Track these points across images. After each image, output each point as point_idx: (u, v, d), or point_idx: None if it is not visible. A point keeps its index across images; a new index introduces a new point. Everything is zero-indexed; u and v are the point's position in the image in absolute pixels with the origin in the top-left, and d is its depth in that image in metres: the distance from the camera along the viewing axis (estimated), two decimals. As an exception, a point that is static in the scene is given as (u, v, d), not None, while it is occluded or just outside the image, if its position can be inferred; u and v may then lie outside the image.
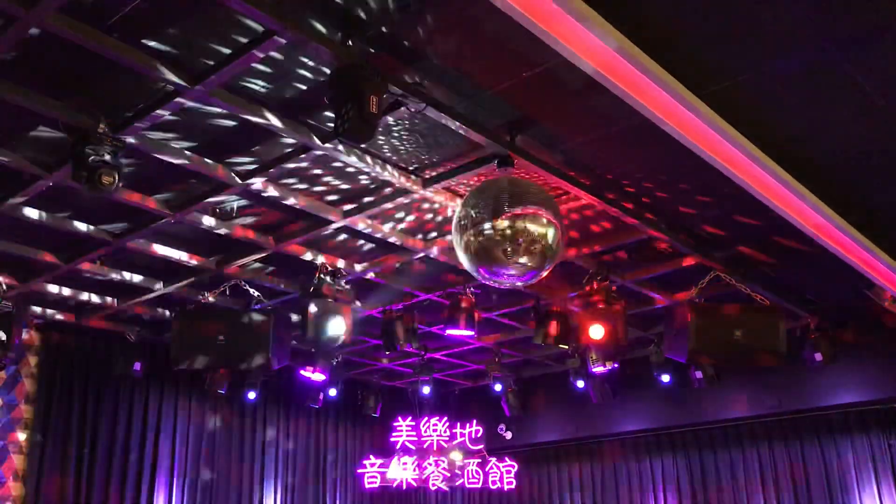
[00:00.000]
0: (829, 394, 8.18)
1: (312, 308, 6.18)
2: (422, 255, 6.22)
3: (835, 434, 8.59)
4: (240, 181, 4.96)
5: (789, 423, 8.83)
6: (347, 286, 6.45)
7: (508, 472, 9.62)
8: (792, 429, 8.84)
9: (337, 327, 6.29)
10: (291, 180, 5.14)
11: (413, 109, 3.96)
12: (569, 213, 5.59)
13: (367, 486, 9.54)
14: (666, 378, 8.42)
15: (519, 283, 4.20)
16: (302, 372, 8.02)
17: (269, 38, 3.55)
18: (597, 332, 6.53)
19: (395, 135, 4.59)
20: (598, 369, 7.45)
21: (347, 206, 5.51)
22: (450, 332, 6.97)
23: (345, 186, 5.27)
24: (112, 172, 4.04)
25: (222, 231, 5.71)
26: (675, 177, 5.07)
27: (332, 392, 9.35)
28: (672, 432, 9.59)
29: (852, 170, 4.81)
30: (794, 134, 4.36)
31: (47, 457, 7.47)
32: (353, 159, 4.71)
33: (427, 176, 5.08)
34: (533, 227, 3.89)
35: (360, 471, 9.67)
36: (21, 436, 7.37)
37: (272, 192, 5.15)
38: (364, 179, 5.17)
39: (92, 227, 5.69)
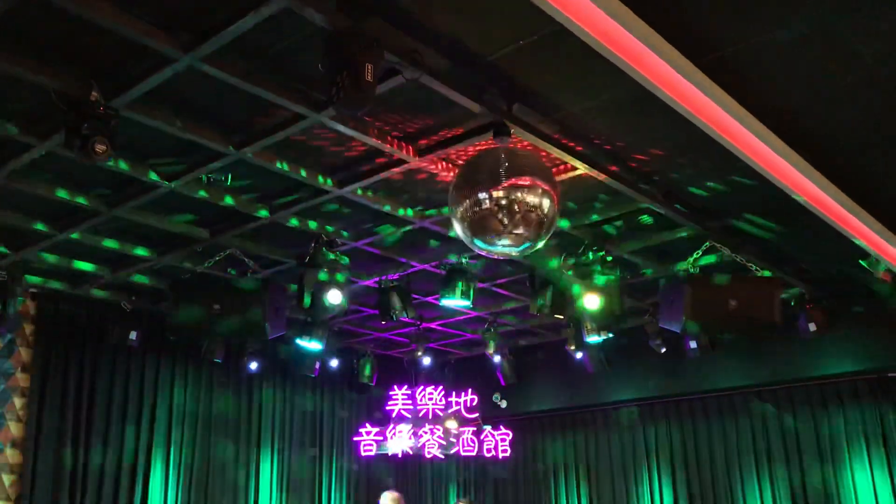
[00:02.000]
0: (822, 364, 8.24)
1: (308, 278, 6.18)
2: (417, 224, 6.21)
3: (827, 404, 8.66)
4: (234, 150, 4.93)
5: (783, 393, 8.90)
6: (343, 256, 6.44)
7: (503, 440, 9.71)
8: (785, 398, 8.91)
9: (333, 297, 6.31)
10: (285, 149, 5.10)
11: (408, 78, 3.92)
12: (565, 183, 5.57)
13: (363, 453, 9.62)
14: (661, 348, 8.47)
15: (514, 254, 4.19)
16: (298, 341, 8.04)
17: (262, 4, 3.51)
18: (592, 302, 6.56)
19: (391, 103, 4.54)
20: (594, 339, 7.48)
21: (342, 176, 5.48)
22: (445, 302, 6.98)
23: (340, 156, 5.24)
24: (105, 141, 4.00)
25: (216, 201, 5.69)
26: (672, 147, 5.05)
27: (329, 361, 9.40)
28: (666, 402, 9.67)
29: (851, 141, 4.80)
30: (792, 104, 4.33)
31: (44, 425, 7.51)
32: (347, 128, 4.68)
33: (422, 145, 5.05)
34: (529, 198, 3.87)
35: (356, 439, 9.75)
36: (18, 403, 7.40)
37: (266, 161, 5.12)
38: (359, 149, 5.13)
39: (85, 196, 5.66)
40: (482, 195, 3.88)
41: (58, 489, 7.49)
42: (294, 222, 6.14)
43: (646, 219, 6.24)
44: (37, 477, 7.37)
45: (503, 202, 3.87)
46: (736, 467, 9.14)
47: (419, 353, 9.19)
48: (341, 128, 4.67)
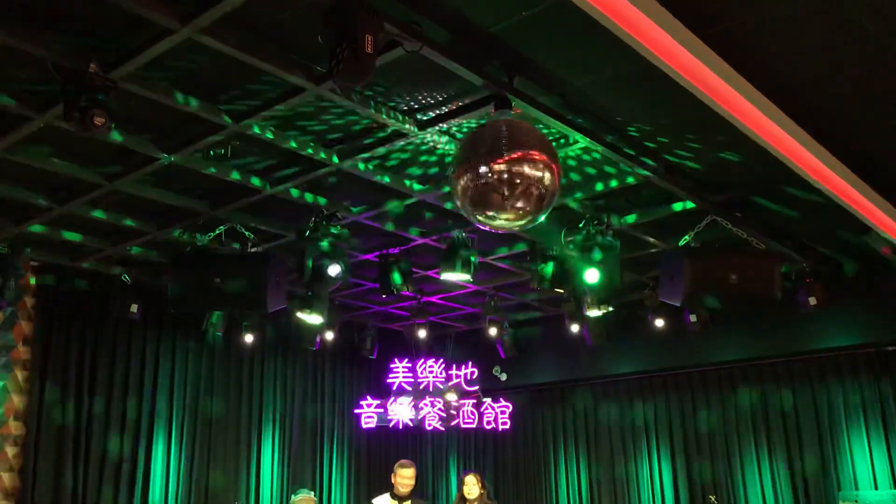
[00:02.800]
0: (821, 338, 8.26)
1: (308, 251, 6.17)
2: (418, 198, 6.19)
3: (826, 377, 8.70)
4: (233, 123, 4.90)
5: (781, 367, 8.93)
6: (343, 229, 6.43)
7: (503, 412, 9.77)
8: (784, 372, 8.95)
9: (333, 271, 6.31)
10: (285, 122, 5.07)
11: (409, 50, 3.89)
12: (566, 156, 5.55)
13: (363, 425, 9.69)
14: (660, 322, 8.49)
15: (515, 228, 4.18)
16: (299, 314, 8.05)
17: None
18: (592, 276, 6.56)
19: (391, 76, 4.51)
20: (594, 313, 7.49)
21: (342, 149, 5.46)
22: (445, 276, 6.98)
23: (340, 129, 5.21)
24: (104, 113, 3.98)
25: (216, 174, 5.67)
26: (674, 120, 5.02)
27: (329, 335, 9.43)
28: (665, 375, 9.71)
29: (854, 115, 4.77)
30: (796, 78, 4.30)
31: (47, 397, 7.55)
32: (347, 101, 4.64)
33: (423, 118, 5.02)
34: (530, 171, 3.85)
35: (356, 411, 9.81)
36: (20, 376, 7.43)
37: (266, 133, 5.09)
38: (359, 122, 5.10)
39: (85, 170, 5.64)
40: (483, 169, 3.86)
41: (61, 461, 7.55)
42: (294, 195, 6.12)
43: (647, 193, 6.22)
44: (40, 448, 7.43)
45: (504, 176, 3.85)
46: (734, 439, 9.20)
47: (419, 327, 9.22)
48: (341, 100, 4.63)
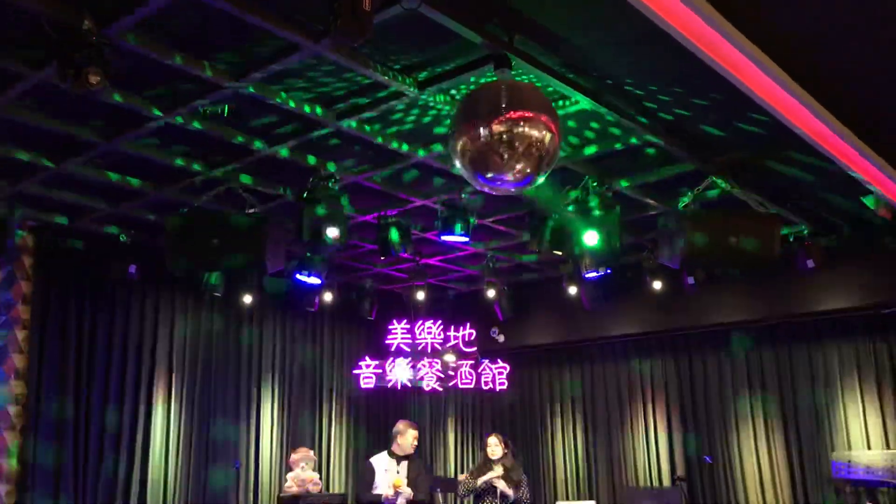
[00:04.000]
0: (819, 300, 8.29)
1: (306, 213, 6.15)
2: (416, 159, 6.15)
3: (822, 339, 8.76)
4: (230, 81, 4.84)
5: (779, 329, 8.98)
6: (342, 191, 6.41)
7: (501, 373, 9.83)
8: (781, 334, 9.01)
9: (331, 232, 6.29)
10: (282, 81, 5.02)
11: (407, 7, 3.83)
12: (566, 117, 5.50)
13: (362, 386, 9.76)
14: (658, 284, 8.51)
15: (514, 189, 4.16)
16: (297, 276, 8.06)
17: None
18: (591, 238, 6.55)
19: (389, 34, 4.45)
20: (592, 274, 7.50)
21: (340, 109, 5.41)
22: (444, 238, 6.98)
23: (337, 88, 5.16)
24: (99, 71, 3.93)
25: (213, 133, 5.62)
26: (675, 80, 4.97)
27: (328, 296, 9.46)
28: (662, 336, 9.77)
29: (856, 76, 4.72)
30: (800, 39, 4.24)
31: (47, 356, 7.59)
32: (345, 60, 4.59)
33: (422, 78, 4.97)
34: (530, 132, 3.81)
35: (355, 371, 9.87)
36: (20, 335, 7.46)
37: (263, 93, 5.04)
38: (357, 81, 5.05)
39: (81, 129, 5.60)
40: (482, 129, 3.82)
41: (62, 420, 7.62)
42: (292, 155, 6.08)
43: (647, 153, 6.19)
44: (41, 407, 7.49)
45: (504, 136, 3.81)
46: (730, 400, 9.29)
47: (418, 289, 9.24)
48: (338, 59, 4.58)
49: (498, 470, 6.92)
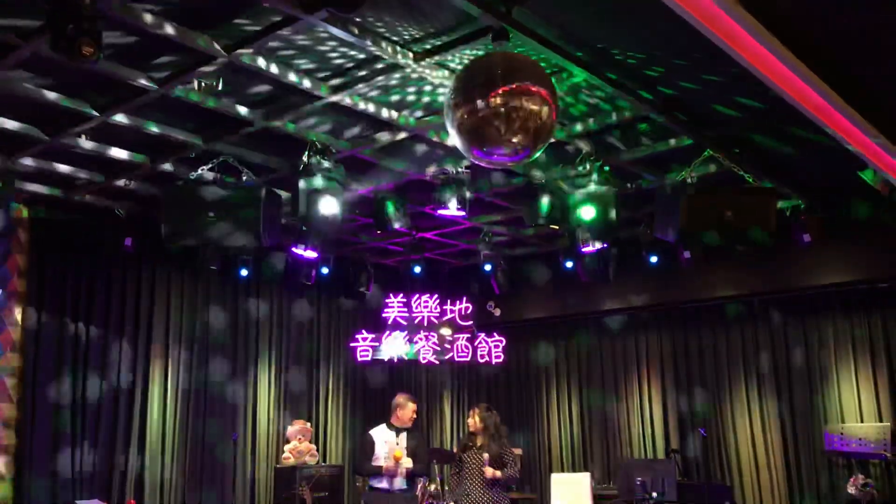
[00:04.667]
0: (814, 274, 8.32)
1: (302, 186, 6.13)
2: (413, 133, 6.12)
3: (818, 314, 8.80)
4: (225, 53, 4.80)
5: (774, 303, 9.02)
6: (338, 164, 6.38)
7: (497, 346, 9.86)
8: (777, 308, 9.04)
9: (327, 206, 6.28)
10: (278, 53, 4.98)
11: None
12: (563, 90, 5.47)
13: (359, 359, 9.79)
14: (654, 258, 8.52)
15: (510, 163, 4.15)
16: (294, 249, 8.05)
17: None
18: (588, 212, 6.55)
19: (386, 5, 4.40)
20: (588, 249, 7.51)
21: (336, 82, 5.37)
22: (440, 212, 6.96)
23: (334, 61, 5.12)
24: (92, 42, 3.88)
25: (209, 106, 5.58)
26: (673, 53, 4.94)
27: (324, 270, 9.46)
28: (657, 310, 9.80)
29: (854, 49, 4.69)
30: (799, 12, 4.21)
31: (43, 329, 7.60)
32: (341, 31, 4.54)
33: (419, 50, 4.93)
34: (527, 105, 3.79)
35: (352, 345, 9.90)
36: (16, 308, 7.46)
37: (258, 65, 5.00)
38: (353, 53, 5.01)
39: (75, 101, 5.55)
40: (479, 102, 3.80)
41: (59, 391, 7.65)
42: (289, 128, 6.05)
43: (644, 127, 6.17)
44: (38, 380, 7.51)
45: (501, 110, 3.80)
46: (724, 374, 9.35)
47: (414, 263, 9.24)
48: (334, 30, 4.53)
49: (484, 457, 6.94)
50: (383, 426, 7.06)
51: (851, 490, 7.74)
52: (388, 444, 6.85)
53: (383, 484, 6.81)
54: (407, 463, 6.80)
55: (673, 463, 8.83)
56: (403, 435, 6.97)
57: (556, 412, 10.65)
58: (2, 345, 7.34)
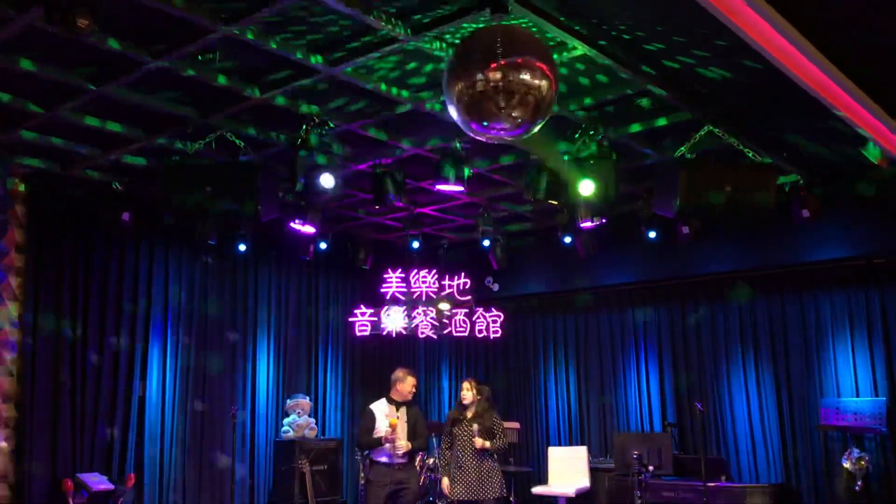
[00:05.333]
0: (813, 249, 8.32)
1: (300, 161, 6.11)
2: (411, 107, 6.09)
3: (815, 289, 8.81)
4: (222, 27, 4.76)
5: (772, 278, 9.03)
6: (335, 139, 6.35)
7: (495, 321, 9.91)
8: (775, 283, 9.06)
9: (325, 180, 6.26)
10: (275, 26, 4.93)
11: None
12: (563, 64, 5.44)
13: (357, 333, 9.83)
14: (653, 234, 8.52)
15: (509, 138, 4.13)
16: (292, 224, 8.05)
17: None
18: (587, 187, 6.53)
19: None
20: (587, 224, 7.50)
21: (333, 55, 5.33)
22: (439, 187, 6.95)
23: (331, 34, 5.07)
24: (87, 14, 3.85)
25: (205, 79, 5.54)
26: (674, 27, 4.90)
27: (323, 245, 9.46)
28: (656, 286, 9.82)
29: (855, 25, 4.66)
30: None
31: (42, 303, 7.60)
32: (337, 4, 4.50)
33: (417, 23, 4.89)
34: (526, 79, 3.76)
35: (350, 319, 9.93)
36: (14, 282, 7.46)
37: (254, 38, 4.95)
38: (351, 26, 4.96)
39: (72, 74, 5.51)
40: (478, 76, 3.77)
41: (58, 365, 7.67)
42: (286, 102, 6.02)
43: (644, 102, 6.13)
44: (37, 352, 7.52)
45: (500, 84, 3.76)
46: (721, 348, 9.39)
47: (412, 238, 9.24)
48: (331, 2, 4.49)
49: (474, 428, 7.01)
50: (383, 400, 7.10)
51: (846, 464, 7.81)
52: (388, 419, 6.89)
53: (383, 458, 6.86)
54: (403, 428, 6.86)
55: (669, 436, 8.90)
56: (403, 409, 7.02)
57: (554, 386, 10.71)
58: (1, 320, 7.35)
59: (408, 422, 6.97)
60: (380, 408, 7.04)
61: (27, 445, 7.32)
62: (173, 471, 8.51)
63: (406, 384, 7.07)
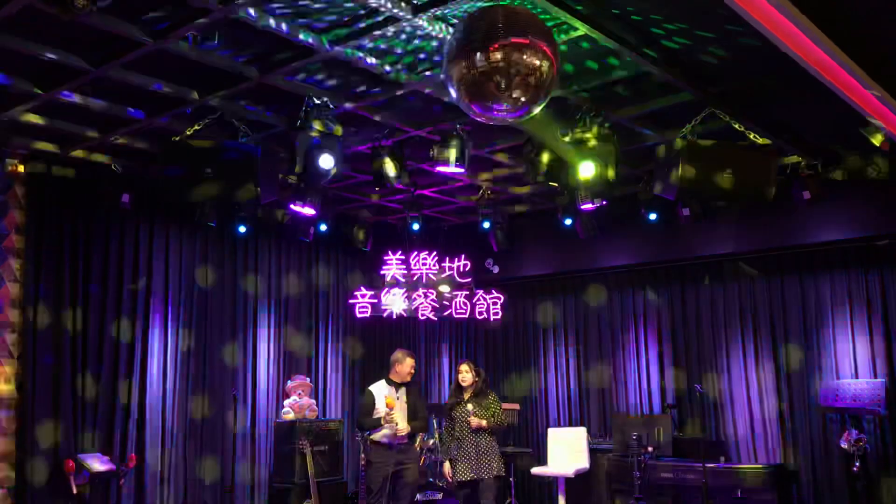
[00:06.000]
0: (813, 231, 8.32)
1: (300, 142, 6.09)
2: (412, 88, 6.06)
3: (815, 271, 8.82)
4: (221, 6, 4.72)
5: (773, 260, 9.03)
6: (335, 120, 6.33)
7: (495, 303, 9.92)
8: (775, 265, 9.06)
9: (325, 161, 6.24)
10: (274, 5, 4.90)
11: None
12: (564, 44, 5.40)
13: (358, 315, 9.85)
14: (653, 216, 8.51)
15: (510, 119, 4.11)
16: (292, 206, 8.03)
17: None
18: (587, 169, 6.51)
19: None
20: (587, 206, 7.49)
21: (334, 35, 5.29)
22: (440, 169, 6.93)
23: (331, 14, 5.04)
24: (85, -6, 3.83)
25: (204, 60, 5.51)
26: (677, 8, 4.87)
27: (323, 227, 9.45)
28: (656, 268, 9.82)
29: (860, 6, 4.62)
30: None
31: (42, 286, 7.61)
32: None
33: (417, 2, 4.85)
34: (528, 60, 3.74)
35: (351, 301, 9.95)
36: (15, 264, 7.47)
37: (254, 18, 4.92)
38: (351, 6, 4.93)
39: (70, 55, 5.48)
40: (478, 57, 3.75)
41: (59, 347, 7.68)
42: (286, 83, 5.98)
43: (645, 84, 6.10)
44: (37, 336, 7.53)
45: (500, 64, 3.74)
46: (721, 330, 9.41)
47: (413, 220, 9.23)
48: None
49: (469, 408, 7.08)
50: (382, 382, 7.13)
51: (844, 445, 7.85)
52: (386, 399, 6.93)
53: (384, 439, 6.90)
54: (400, 407, 6.90)
55: (669, 418, 8.95)
56: (403, 390, 7.06)
57: (554, 368, 10.73)
58: (1, 302, 7.35)
59: (407, 402, 7.01)
60: (379, 389, 7.08)
61: (28, 426, 7.35)
62: (174, 453, 8.55)
63: (405, 365, 7.11)
